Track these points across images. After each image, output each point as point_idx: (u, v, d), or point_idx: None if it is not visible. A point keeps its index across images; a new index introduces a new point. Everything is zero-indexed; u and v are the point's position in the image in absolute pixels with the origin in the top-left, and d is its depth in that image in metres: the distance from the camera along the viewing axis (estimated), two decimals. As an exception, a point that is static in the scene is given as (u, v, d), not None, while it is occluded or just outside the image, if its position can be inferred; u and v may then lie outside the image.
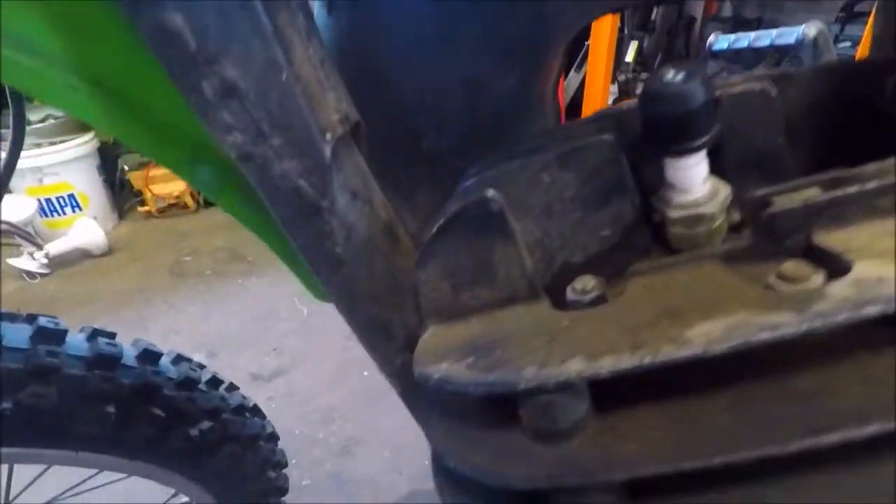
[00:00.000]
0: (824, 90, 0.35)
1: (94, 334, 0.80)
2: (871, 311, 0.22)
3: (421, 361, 0.33)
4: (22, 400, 0.66)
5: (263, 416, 1.11)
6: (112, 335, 0.83)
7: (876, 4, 0.42)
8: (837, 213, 0.32)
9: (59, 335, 0.74)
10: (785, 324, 0.23)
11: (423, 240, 0.38)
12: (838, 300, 0.24)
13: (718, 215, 0.34)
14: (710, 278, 0.32)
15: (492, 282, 0.36)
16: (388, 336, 0.43)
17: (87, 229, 3.18)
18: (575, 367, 0.25)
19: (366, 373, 2.25)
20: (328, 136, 0.36)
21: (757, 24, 2.71)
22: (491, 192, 0.34)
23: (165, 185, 3.52)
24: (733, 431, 0.24)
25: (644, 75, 3.18)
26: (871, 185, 0.31)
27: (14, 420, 0.67)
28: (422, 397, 0.37)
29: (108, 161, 3.68)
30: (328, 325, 2.47)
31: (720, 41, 0.86)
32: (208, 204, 3.66)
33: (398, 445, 1.89)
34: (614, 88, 2.98)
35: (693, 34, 3.27)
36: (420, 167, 0.50)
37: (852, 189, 0.31)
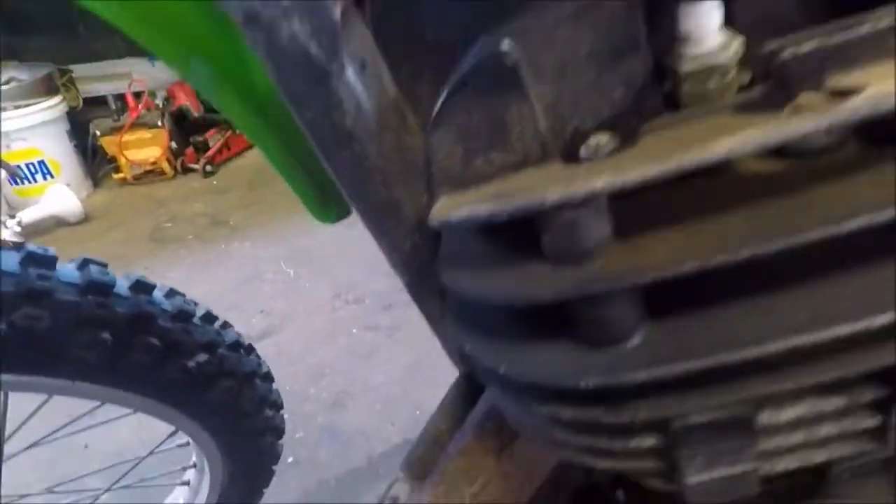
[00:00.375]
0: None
1: (85, 263, 0.78)
2: (888, 106, 0.23)
3: (437, 214, 0.33)
4: (15, 321, 0.65)
5: (259, 356, 1.11)
6: (104, 264, 0.81)
7: None
8: (849, 55, 0.32)
9: (49, 261, 0.72)
10: (802, 127, 0.24)
11: (434, 106, 0.37)
12: (853, 107, 0.25)
13: (731, 67, 0.34)
14: (724, 121, 0.32)
15: (504, 144, 0.36)
16: (398, 217, 0.43)
17: (60, 197, 3.09)
18: (600, 182, 0.26)
19: (354, 330, 2.26)
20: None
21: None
22: (506, 45, 0.34)
23: (140, 150, 3.42)
24: (754, 232, 0.24)
25: None
26: (883, 23, 0.31)
27: (9, 343, 0.66)
28: (432, 292, 0.37)
29: (78, 126, 3.55)
30: (316, 285, 2.47)
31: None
32: (186, 170, 3.57)
33: (389, 398, 1.92)
34: None
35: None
36: (422, 59, 0.49)
37: (864, 28, 0.31)
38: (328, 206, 0.65)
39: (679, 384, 0.25)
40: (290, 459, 1.71)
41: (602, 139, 0.35)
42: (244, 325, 2.35)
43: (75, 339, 0.71)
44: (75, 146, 3.39)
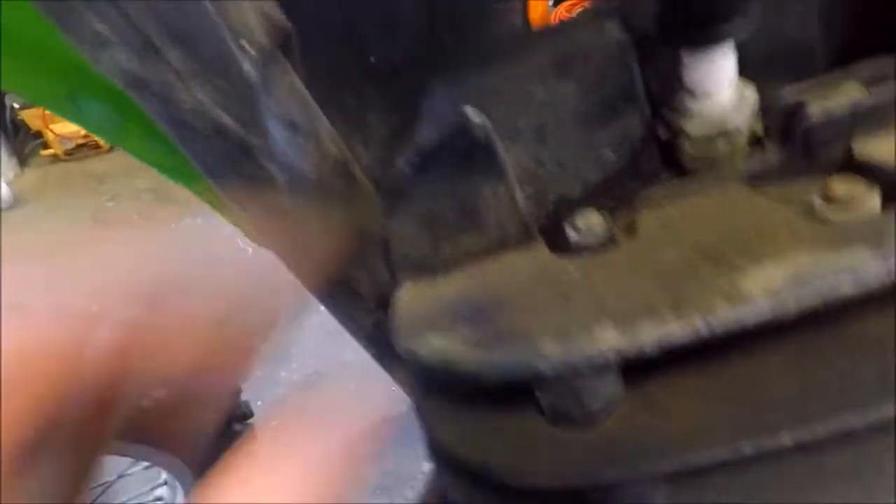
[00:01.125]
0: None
1: None
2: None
3: (403, 333, 0.27)
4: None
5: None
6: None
7: None
8: (881, 115, 0.27)
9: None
10: (865, 265, 0.19)
11: (387, 179, 0.30)
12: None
13: (745, 127, 0.28)
14: (742, 206, 0.27)
15: (477, 226, 0.30)
16: (356, 297, 0.37)
17: (-18, 181, 2.82)
18: (607, 339, 0.20)
19: (322, 308, 2.21)
20: (249, 48, 0.27)
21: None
22: (473, 114, 0.26)
23: (68, 123, 3.13)
24: (800, 398, 0.20)
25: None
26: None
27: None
28: (402, 367, 0.31)
29: (-8, 100, 3.20)
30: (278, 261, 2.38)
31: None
32: (124, 142, 3.30)
33: (363, 376, 1.90)
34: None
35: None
36: (370, 86, 0.41)
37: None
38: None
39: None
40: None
41: (592, 219, 0.29)
42: (205, 311, 2.26)
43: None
44: (-8, 122, 3.07)
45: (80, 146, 3.23)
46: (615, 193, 0.32)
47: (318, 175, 0.33)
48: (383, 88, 0.42)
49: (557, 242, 0.30)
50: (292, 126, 0.31)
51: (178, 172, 0.48)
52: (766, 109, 0.30)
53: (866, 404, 0.19)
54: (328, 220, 0.33)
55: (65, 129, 3.15)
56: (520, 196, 0.29)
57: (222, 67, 0.27)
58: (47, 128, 3.08)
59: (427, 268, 0.31)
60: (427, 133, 0.27)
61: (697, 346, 0.22)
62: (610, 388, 0.22)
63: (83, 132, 3.21)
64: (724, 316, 0.19)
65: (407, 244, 0.31)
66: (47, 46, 0.36)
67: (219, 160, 0.30)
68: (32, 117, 3.11)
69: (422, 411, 0.27)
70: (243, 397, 1.17)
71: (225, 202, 0.54)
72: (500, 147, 0.27)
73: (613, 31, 0.27)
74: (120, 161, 3.26)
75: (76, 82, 0.39)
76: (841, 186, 0.24)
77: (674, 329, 0.19)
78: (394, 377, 0.45)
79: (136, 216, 2.81)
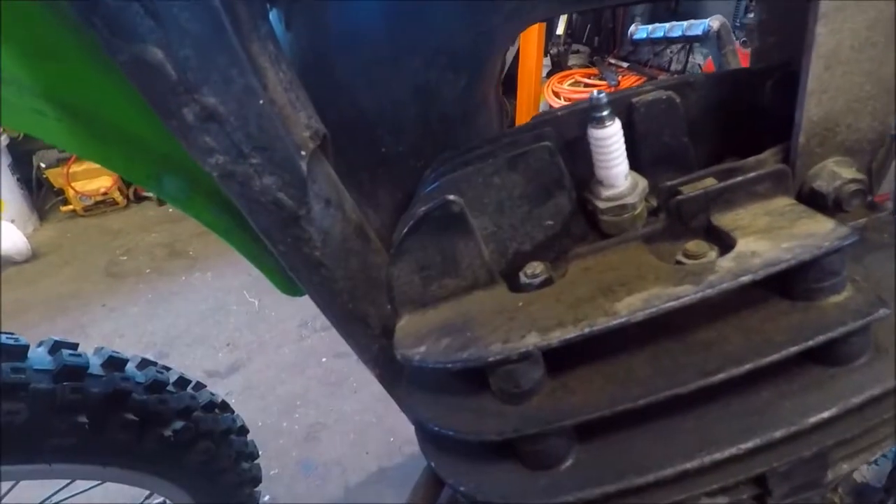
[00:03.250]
0: (717, 95, 0.43)
1: (57, 346, 0.79)
2: (745, 279, 0.30)
3: (402, 345, 0.38)
4: (-7, 419, 0.66)
5: (232, 411, 1.14)
6: (75, 346, 0.83)
7: (756, -1, 0.48)
8: (729, 197, 0.40)
9: (20, 350, 0.74)
10: (685, 293, 0.31)
11: (393, 239, 0.43)
12: (724, 272, 0.32)
13: (639, 204, 0.41)
14: (634, 257, 0.39)
15: (456, 272, 0.42)
16: (365, 326, 0.48)
17: (4, 234, 2.97)
18: (531, 341, 0.32)
19: (324, 359, 2.27)
20: (303, 152, 0.40)
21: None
22: (452, 196, 0.39)
23: (89, 181, 3.32)
24: (651, 380, 0.31)
25: (574, 47, 3.30)
26: (752, 175, 0.39)
27: (-15, 439, 0.67)
28: (400, 377, 0.42)
29: (20, 158, 3.41)
30: (281, 314, 2.46)
31: (640, 31, 0.96)
32: (139, 198, 3.49)
33: (362, 426, 1.95)
34: (547, 61, 3.09)
35: (618, 8, 3.40)
36: (380, 168, 0.54)
37: (738, 178, 0.39)
38: (297, 284, 0.70)
39: (601, 501, 0.31)
40: (266, 498, 1.72)
41: (537, 268, 0.41)
42: (212, 361, 2.33)
43: (52, 427, 0.72)
44: (18, 180, 3.26)
45: (97, 203, 3.40)
46: (556, 249, 0.44)
47: (343, 236, 0.45)
48: (390, 170, 0.55)
49: (514, 283, 0.42)
50: (327, 202, 0.44)
51: (227, 232, 0.61)
52: (657, 193, 0.43)
53: (691, 382, 0.31)
54: (348, 267, 0.45)
55: (86, 188, 3.33)
56: (485, 250, 0.42)
57: (285, 165, 0.40)
58: (69, 185, 3.27)
59: (420, 303, 0.44)
60: (420, 207, 0.40)
61: (593, 348, 0.34)
62: (536, 374, 0.33)
63: (102, 190, 3.39)
64: (602, 323, 0.31)
65: (405, 285, 0.43)
66: (147, 141, 0.50)
67: (274, 224, 0.42)
68: (56, 175, 3.30)
69: (412, 405, 0.39)
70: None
71: (258, 254, 0.67)
72: (470, 217, 0.40)
73: (545, 141, 0.40)
74: (135, 218, 3.43)
75: (162, 166, 0.53)
76: (692, 246, 0.37)
77: (570, 332, 0.31)
78: (391, 393, 0.56)
79: (148, 269, 2.93)
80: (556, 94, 2.91)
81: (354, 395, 2.06)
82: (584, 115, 0.40)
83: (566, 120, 0.43)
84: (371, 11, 0.46)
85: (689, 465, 0.30)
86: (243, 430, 1.14)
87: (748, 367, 0.29)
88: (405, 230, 0.41)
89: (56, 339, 0.81)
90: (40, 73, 0.41)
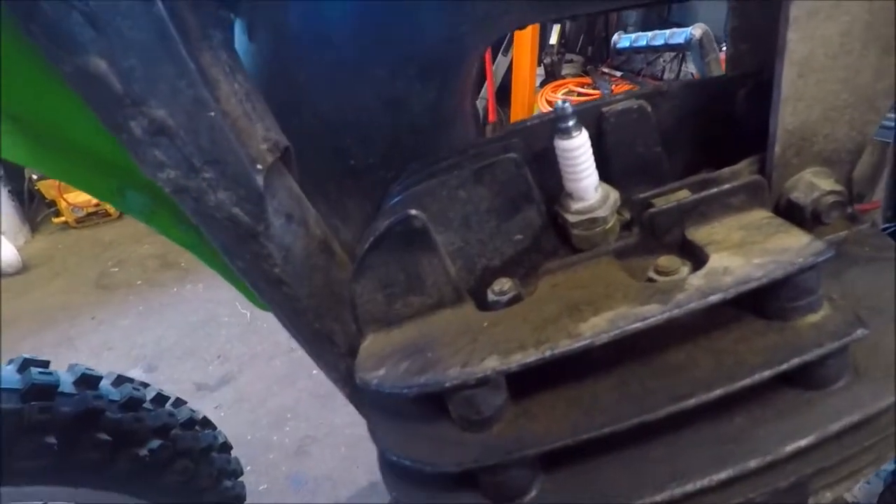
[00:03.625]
0: (690, 104, 0.42)
1: (26, 364, 0.77)
2: (714, 299, 0.28)
3: (361, 369, 0.37)
4: (-47, 441, 0.64)
5: (214, 427, 1.11)
6: (45, 363, 0.80)
7: (729, 3, 0.46)
8: (703, 210, 0.38)
9: (-15, 368, 0.71)
10: (652, 314, 0.29)
11: (357, 254, 0.41)
12: (693, 290, 0.30)
13: (610, 217, 0.40)
14: (604, 274, 0.37)
15: (421, 290, 0.40)
16: (332, 345, 0.46)
17: (-5, 247, 2.94)
18: (490, 365, 0.30)
19: (315, 371, 2.24)
20: (259, 165, 0.39)
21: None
22: (414, 211, 0.38)
23: (81, 193, 3.30)
24: (617, 407, 0.29)
25: (568, 56, 3.31)
26: (726, 186, 0.37)
27: (-54, 463, 0.65)
28: (365, 399, 0.40)
29: (12, 170, 3.40)
30: (273, 327, 2.42)
31: (623, 40, 0.95)
32: (132, 211, 3.45)
33: (353, 439, 1.92)
34: (540, 70, 3.09)
35: (611, 16, 3.42)
36: (348, 180, 0.53)
37: (713, 191, 0.37)
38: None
39: (566, 536, 0.29)
40: (254, 514, 1.69)
41: (505, 285, 0.40)
42: (202, 373, 2.30)
43: (19, 449, 0.70)
44: (10, 191, 3.24)
45: (90, 214, 3.38)
46: (526, 264, 0.43)
47: (305, 251, 0.44)
48: (358, 181, 0.54)
49: (483, 301, 0.41)
50: (288, 217, 0.43)
51: (193, 245, 0.59)
52: (630, 205, 0.41)
53: (659, 408, 0.29)
54: (312, 284, 0.43)
55: (78, 199, 3.31)
56: (450, 266, 0.40)
57: (240, 179, 0.39)
58: (61, 197, 3.25)
59: (384, 322, 0.42)
60: (381, 222, 0.39)
61: (559, 371, 0.32)
62: (498, 400, 0.31)
63: (94, 201, 3.38)
64: (564, 346, 0.29)
65: (368, 303, 0.41)
66: (108, 157, 0.48)
67: (231, 241, 0.41)
68: (48, 187, 3.28)
69: (372, 431, 0.37)
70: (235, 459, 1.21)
71: (230, 270, 0.65)
72: (433, 232, 0.39)
73: (511, 153, 0.39)
74: (127, 229, 3.40)
75: (124, 181, 0.51)
76: (664, 261, 0.35)
77: (531, 356, 0.29)
78: (360, 412, 0.54)
79: (140, 281, 2.91)
80: (550, 104, 2.91)
81: (345, 408, 2.02)
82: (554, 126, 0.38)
83: (537, 130, 0.42)
84: (335, 18, 0.44)
85: (658, 498, 0.28)
86: (226, 447, 1.11)
87: (719, 392, 0.28)
88: (366, 246, 0.39)
89: (26, 356, 0.79)
90: (-13, 85, 0.40)
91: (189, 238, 0.58)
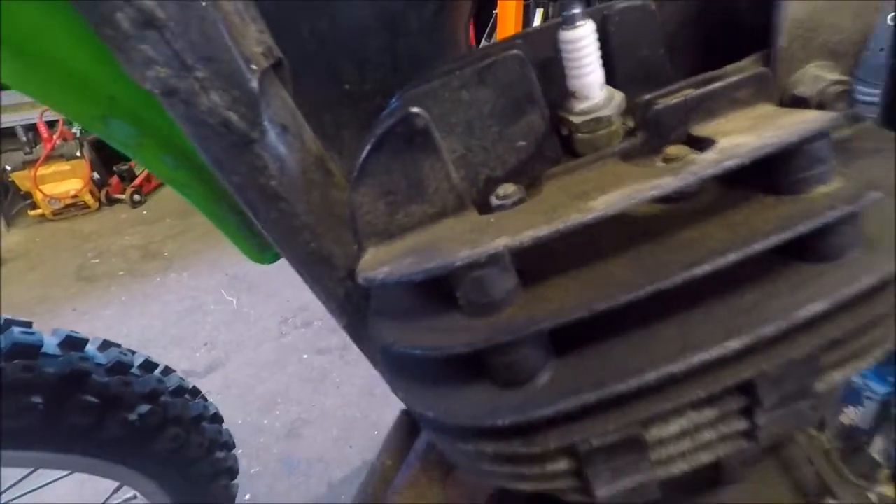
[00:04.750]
0: (695, 5, 0.41)
1: (8, 324, 0.75)
2: (730, 164, 0.28)
3: (365, 269, 0.35)
4: (-69, 396, 0.62)
5: (205, 398, 1.09)
6: (28, 324, 0.78)
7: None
8: (709, 106, 0.38)
9: (-34, 327, 0.69)
10: (666, 184, 0.29)
11: (354, 164, 0.40)
12: (707, 162, 0.29)
13: (615, 118, 0.39)
14: (610, 170, 0.37)
15: (422, 197, 0.39)
16: (330, 267, 0.45)
17: (-32, 240, 2.86)
18: (501, 242, 0.29)
19: (305, 356, 2.23)
20: (253, 66, 0.37)
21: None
22: (415, 109, 0.37)
23: (58, 184, 3.22)
24: (631, 279, 0.29)
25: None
26: (732, 79, 0.37)
27: (-76, 419, 0.62)
28: (368, 308, 0.39)
29: (-16, 163, 3.30)
30: (261, 312, 2.41)
31: None
32: (112, 201, 3.40)
33: (345, 420, 1.91)
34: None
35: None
36: (344, 108, 0.51)
37: (717, 85, 0.37)
38: (264, 249, 0.66)
39: (580, 414, 0.29)
40: (247, 497, 1.67)
41: (509, 188, 0.39)
42: (189, 361, 2.26)
43: (3, 407, 0.67)
44: (-17, 184, 3.16)
45: (68, 206, 3.30)
46: (528, 173, 0.42)
47: (302, 166, 0.42)
48: (355, 110, 0.52)
49: (486, 210, 0.40)
50: (283, 128, 0.41)
51: (183, 184, 0.57)
52: (633, 110, 0.41)
53: (674, 275, 0.28)
54: (309, 201, 0.42)
55: (55, 191, 3.23)
56: (453, 172, 0.39)
57: (234, 80, 0.37)
58: (37, 188, 3.17)
59: (386, 233, 0.41)
60: (382, 123, 0.37)
61: (570, 260, 0.32)
62: (508, 284, 0.30)
63: (72, 192, 3.30)
64: (576, 219, 0.29)
65: (369, 213, 0.40)
66: (92, 80, 0.46)
67: (225, 150, 0.39)
68: (22, 179, 3.19)
69: (376, 332, 0.36)
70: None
71: (222, 213, 0.63)
72: (435, 133, 0.38)
73: (514, 50, 0.38)
74: (107, 220, 3.34)
75: (109, 108, 0.49)
76: (673, 149, 0.35)
77: (543, 231, 0.29)
78: (360, 348, 0.53)
79: (122, 272, 2.85)
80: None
81: (337, 391, 2.02)
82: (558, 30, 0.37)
83: (540, 37, 0.41)
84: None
85: (673, 369, 0.27)
86: (217, 418, 1.09)
87: (734, 257, 0.27)
88: (366, 149, 0.38)
89: (7, 316, 0.76)
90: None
91: (179, 175, 0.56)
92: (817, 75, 0.36)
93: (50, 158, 3.14)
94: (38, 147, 3.24)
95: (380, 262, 0.37)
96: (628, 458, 0.30)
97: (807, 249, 0.30)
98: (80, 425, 0.77)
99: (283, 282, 2.45)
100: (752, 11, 0.39)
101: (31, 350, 0.72)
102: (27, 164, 3.19)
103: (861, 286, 0.28)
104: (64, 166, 3.15)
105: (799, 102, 0.37)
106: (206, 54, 0.36)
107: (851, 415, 0.55)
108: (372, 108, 0.51)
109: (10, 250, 3.15)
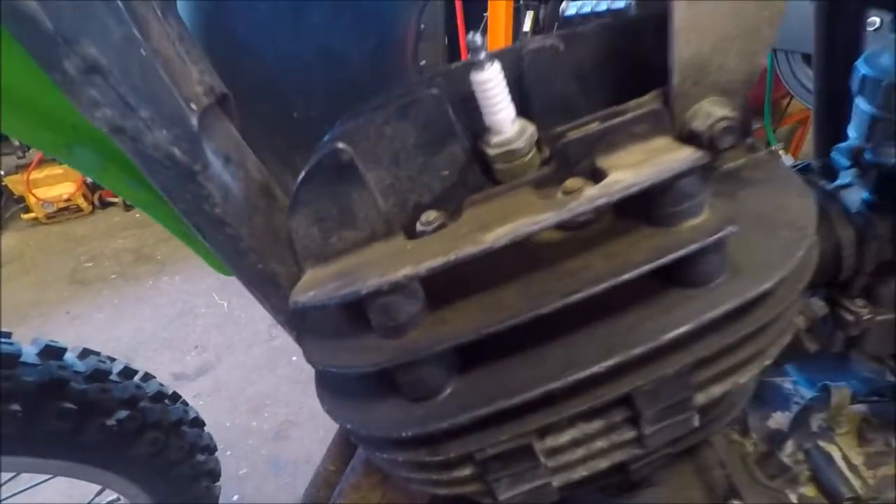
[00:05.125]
0: (604, 44, 0.44)
1: (-15, 335, 0.78)
2: (600, 202, 0.31)
3: (295, 294, 0.39)
4: (-89, 405, 0.65)
5: (185, 403, 1.12)
6: (8, 334, 0.81)
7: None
8: (611, 139, 0.41)
9: (-55, 339, 0.72)
10: (546, 218, 0.32)
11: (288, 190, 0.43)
12: (585, 198, 0.33)
13: (528, 150, 0.42)
14: (521, 198, 0.40)
15: (353, 223, 0.43)
16: (276, 287, 0.48)
17: (-38, 245, 2.88)
18: (403, 272, 0.33)
19: (294, 358, 2.26)
20: (193, 105, 0.41)
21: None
22: (341, 144, 0.40)
23: (51, 188, 3.25)
24: (517, 305, 0.32)
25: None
26: (629, 115, 0.40)
27: None
28: (302, 326, 0.43)
29: (-23, 168, 3.33)
30: (251, 315, 2.44)
31: (570, 7, 0.98)
32: (105, 204, 3.43)
33: (332, 422, 1.94)
34: (514, 59, 3.12)
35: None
36: (294, 134, 0.55)
37: (618, 120, 0.40)
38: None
39: (476, 426, 0.32)
40: (234, 498, 1.71)
41: (431, 216, 0.42)
42: (179, 364, 2.30)
43: (-19, 415, 0.71)
44: (-24, 189, 3.19)
45: (61, 210, 3.33)
46: (454, 199, 0.45)
47: (246, 193, 0.46)
48: (303, 135, 0.56)
49: (413, 234, 0.43)
50: (227, 159, 0.45)
51: (147, 204, 0.60)
52: (548, 140, 0.44)
53: (552, 302, 0.32)
54: (253, 226, 0.46)
55: (48, 194, 3.26)
56: (381, 200, 0.42)
57: (175, 119, 0.40)
58: (30, 192, 3.19)
59: (322, 256, 0.44)
60: (315, 153, 0.41)
61: (473, 285, 0.35)
62: (413, 308, 0.34)
63: (65, 196, 3.32)
64: (468, 251, 0.32)
65: (305, 238, 0.43)
66: (54, 110, 0.50)
67: (171, 181, 0.43)
68: (16, 183, 3.22)
69: (307, 353, 0.39)
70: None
71: (186, 231, 0.66)
72: (360, 165, 0.41)
73: (432, 89, 0.41)
74: (101, 224, 3.36)
75: (73, 136, 0.52)
76: (571, 182, 0.38)
77: (439, 261, 0.32)
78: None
79: (114, 275, 2.88)
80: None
81: (324, 392, 2.05)
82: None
83: (458, 74, 0.44)
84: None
85: (554, 386, 0.31)
86: (197, 422, 1.12)
87: (605, 285, 0.30)
88: (299, 181, 0.41)
89: (-14, 328, 0.79)
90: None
91: (143, 196, 0.60)
92: (709, 111, 0.40)
93: (43, 162, 3.17)
94: (30, 151, 3.27)
95: (311, 286, 0.40)
96: (523, 464, 0.33)
97: (679, 276, 0.33)
98: (58, 431, 0.80)
99: (272, 285, 2.47)
100: (656, 51, 0.42)
101: (10, 360, 0.76)
102: (20, 168, 3.22)
103: (723, 310, 0.31)
104: (57, 170, 3.18)
105: (693, 137, 0.40)
106: (148, 96, 0.39)
107: (778, 419, 0.58)
108: (320, 132, 0.54)
109: (3, 254, 3.17)
